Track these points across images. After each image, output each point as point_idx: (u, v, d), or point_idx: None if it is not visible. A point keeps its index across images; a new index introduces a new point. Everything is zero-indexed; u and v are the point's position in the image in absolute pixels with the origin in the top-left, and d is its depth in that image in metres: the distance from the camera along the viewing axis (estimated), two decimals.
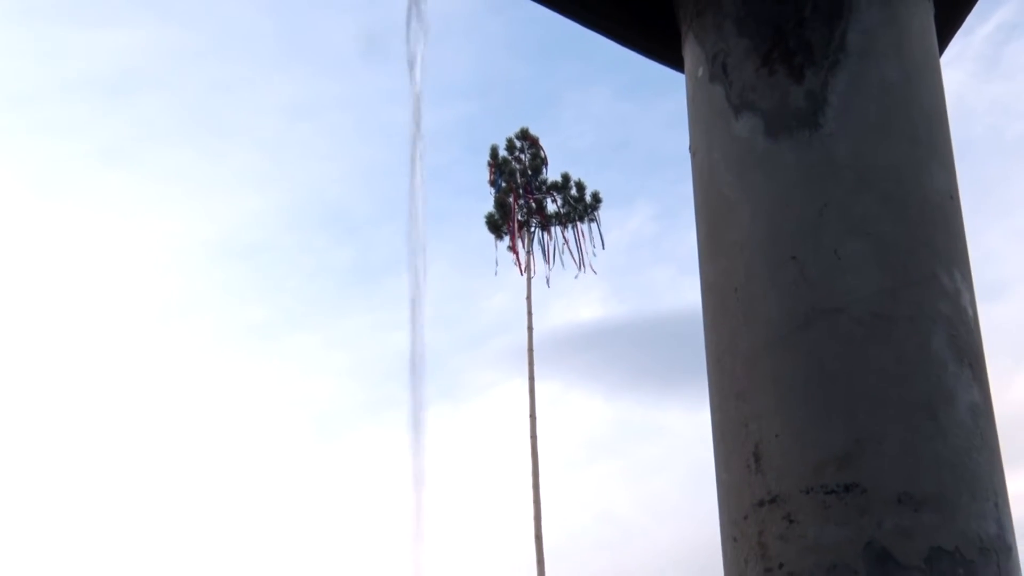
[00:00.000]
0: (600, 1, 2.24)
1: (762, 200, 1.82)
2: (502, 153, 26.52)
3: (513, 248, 25.96)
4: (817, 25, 1.86)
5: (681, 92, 2.10)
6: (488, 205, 26.47)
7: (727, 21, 1.94)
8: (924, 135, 1.85)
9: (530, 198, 26.41)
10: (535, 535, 23.68)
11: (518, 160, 26.60)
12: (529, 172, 26.54)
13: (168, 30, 41.67)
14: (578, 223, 26.43)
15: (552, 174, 26.79)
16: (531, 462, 24.25)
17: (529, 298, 25.70)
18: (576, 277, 26.08)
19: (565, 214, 26.50)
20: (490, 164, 26.54)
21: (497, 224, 26.22)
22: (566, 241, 26.25)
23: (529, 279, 25.84)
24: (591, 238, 26.34)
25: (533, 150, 26.78)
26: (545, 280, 25.93)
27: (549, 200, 26.57)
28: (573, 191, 26.63)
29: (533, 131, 26.94)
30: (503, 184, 26.31)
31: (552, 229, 26.43)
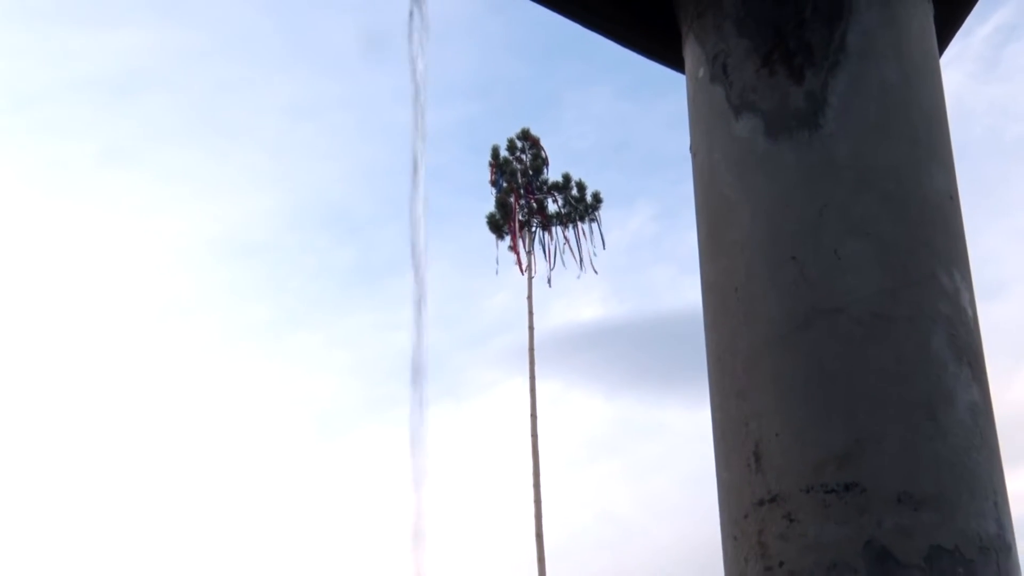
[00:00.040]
0: (601, 2, 2.24)
1: (762, 200, 1.83)
2: (503, 153, 26.52)
3: (514, 248, 25.97)
4: (817, 26, 1.87)
5: (681, 93, 2.10)
6: (489, 205, 26.50)
7: (727, 22, 1.94)
8: (924, 136, 1.85)
9: (531, 198, 26.41)
10: (536, 533, 23.68)
11: (519, 160, 26.59)
12: (530, 172, 26.53)
13: (172, 31, 41.71)
14: (579, 223, 26.44)
15: (553, 174, 26.82)
16: (532, 461, 24.26)
17: (530, 298, 25.72)
18: (578, 277, 26.11)
19: (566, 214, 26.50)
20: (491, 164, 26.54)
21: (498, 224, 26.23)
22: (567, 241, 26.28)
23: (530, 279, 25.86)
24: (592, 238, 26.37)
25: (534, 150, 26.78)
26: (546, 280, 25.96)
27: (550, 200, 26.58)
28: (574, 191, 26.64)
29: (534, 131, 26.96)
30: (504, 184, 26.31)
31: (553, 229, 26.44)
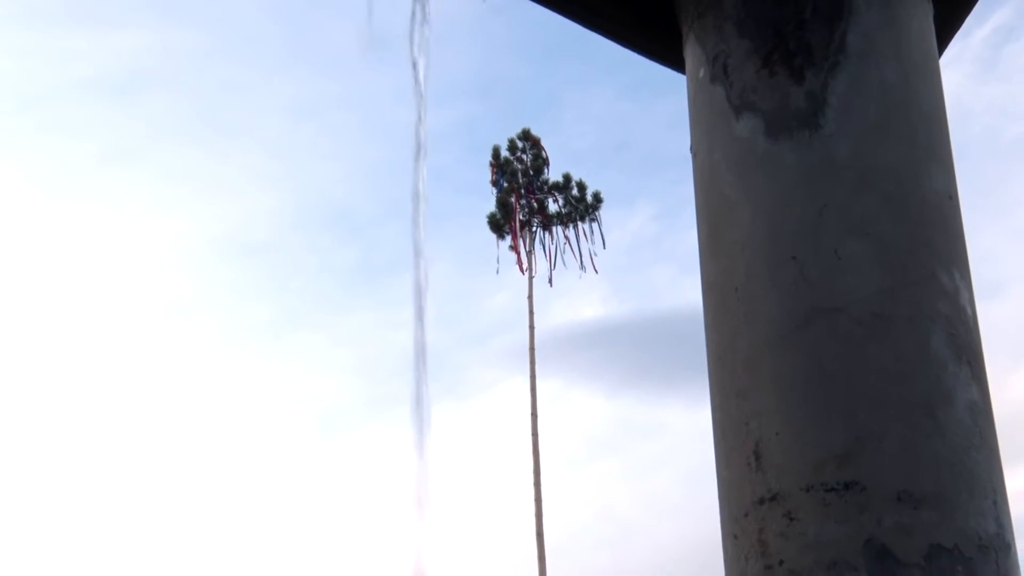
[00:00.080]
0: (602, 3, 2.25)
1: (763, 200, 1.83)
2: (504, 153, 26.52)
3: (515, 248, 25.98)
4: (817, 27, 1.87)
5: (682, 93, 2.11)
6: (490, 205, 26.49)
7: (728, 23, 1.95)
8: (923, 136, 1.86)
9: (531, 198, 26.41)
10: (536, 532, 23.69)
11: (520, 160, 26.59)
12: (531, 172, 26.53)
13: (174, 31, 41.72)
14: (579, 223, 26.44)
15: (553, 174, 26.83)
16: (532, 459, 24.26)
17: (531, 297, 25.72)
18: (580, 277, 26.13)
19: (566, 214, 26.50)
20: (492, 164, 26.54)
21: (499, 224, 26.23)
22: (567, 241, 26.28)
23: (531, 278, 25.86)
24: (592, 238, 26.37)
25: (535, 150, 26.77)
26: (547, 279, 25.96)
27: (550, 200, 26.58)
28: (574, 191, 26.64)
29: (535, 131, 26.96)
30: (505, 184, 26.31)
31: (553, 229, 26.45)
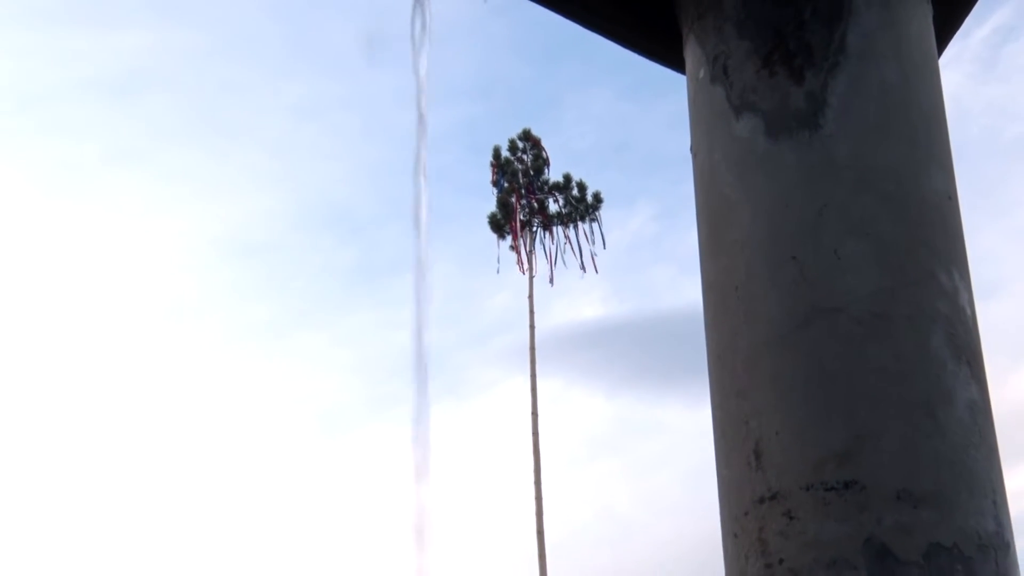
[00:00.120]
0: (602, 3, 2.25)
1: (763, 200, 1.84)
2: (504, 154, 26.54)
3: (515, 248, 25.99)
4: (817, 27, 1.87)
5: (682, 93, 2.11)
6: (491, 205, 26.52)
7: (728, 23, 1.95)
8: (923, 136, 1.86)
9: (532, 198, 26.42)
10: (537, 530, 23.70)
11: (520, 161, 26.61)
12: (531, 172, 26.55)
13: (175, 32, 41.74)
14: (579, 223, 26.45)
15: (554, 174, 26.84)
16: (533, 458, 24.28)
17: (531, 297, 25.74)
18: (581, 277, 26.14)
19: (567, 214, 26.51)
20: (493, 164, 26.56)
21: (500, 224, 26.24)
22: (568, 241, 26.29)
23: (531, 278, 25.89)
24: (592, 238, 26.37)
25: (535, 151, 26.79)
26: (548, 279, 25.98)
27: (551, 200, 26.59)
28: (574, 191, 26.65)
29: (535, 132, 26.98)
30: (505, 184, 26.33)
31: (554, 229, 26.46)
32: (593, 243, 26.32)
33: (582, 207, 26.52)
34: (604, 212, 26.75)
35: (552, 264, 26.09)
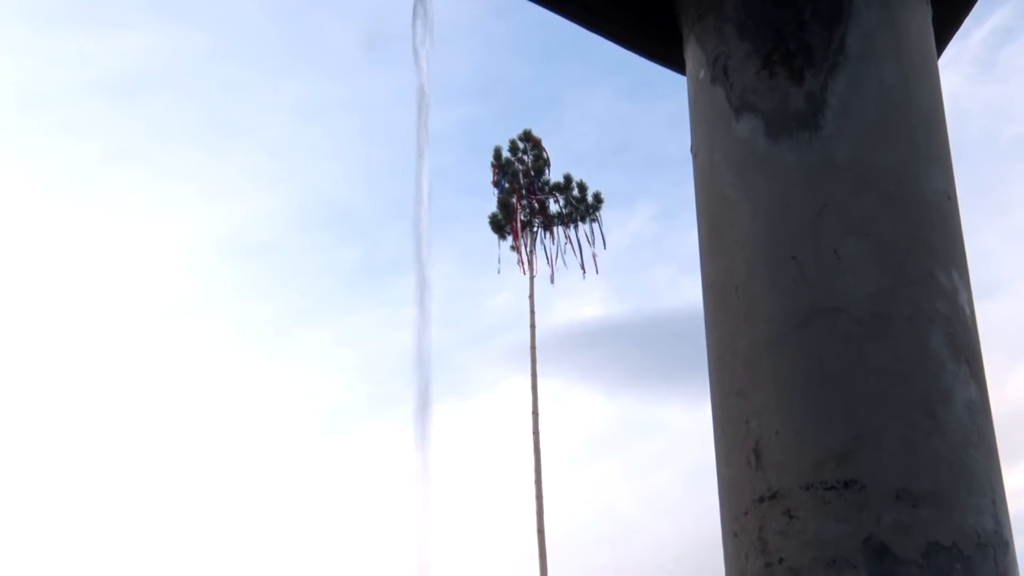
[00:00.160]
0: (603, 5, 2.26)
1: (763, 200, 1.84)
2: (505, 154, 26.55)
3: (516, 248, 26.00)
4: (817, 28, 1.88)
5: (682, 94, 2.12)
6: (491, 205, 26.54)
7: (728, 24, 1.96)
8: (922, 137, 1.87)
9: (533, 199, 26.43)
10: (537, 529, 23.71)
11: (521, 161, 26.62)
12: (532, 173, 26.56)
13: (177, 33, 41.72)
14: (580, 223, 26.46)
15: (554, 175, 26.86)
16: (533, 458, 24.30)
17: (532, 297, 25.75)
18: (583, 278, 26.16)
19: (567, 214, 26.53)
20: (493, 165, 26.57)
21: (500, 224, 26.26)
22: (568, 241, 26.30)
23: (532, 278, 25.90)
24: (592, 238, 26.38)
25: (536, 151, 26.80)
26: (549, 278, 25.99)
27: (551, 200, 26.60)
28: (575, 192, 26.66)
29: (536, 133, 27.00)
30: (506, 185, 26.34)
31: (554, 229, 26.47)
32: (593, 243, 26.36)
33: (582, 207, 26.53)
34: (604, 212, 26.80)
35: (552, 264, 26.12)
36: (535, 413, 24.72)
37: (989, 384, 1.80)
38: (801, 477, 1.69)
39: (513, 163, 26.52)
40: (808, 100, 1.85)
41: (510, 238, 26.13)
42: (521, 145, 26.71)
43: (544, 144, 27.01)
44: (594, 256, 26.16)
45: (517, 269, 26.09)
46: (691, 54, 2.06)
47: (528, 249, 26.14)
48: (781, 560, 1.68)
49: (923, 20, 1.97)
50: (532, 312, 25.64)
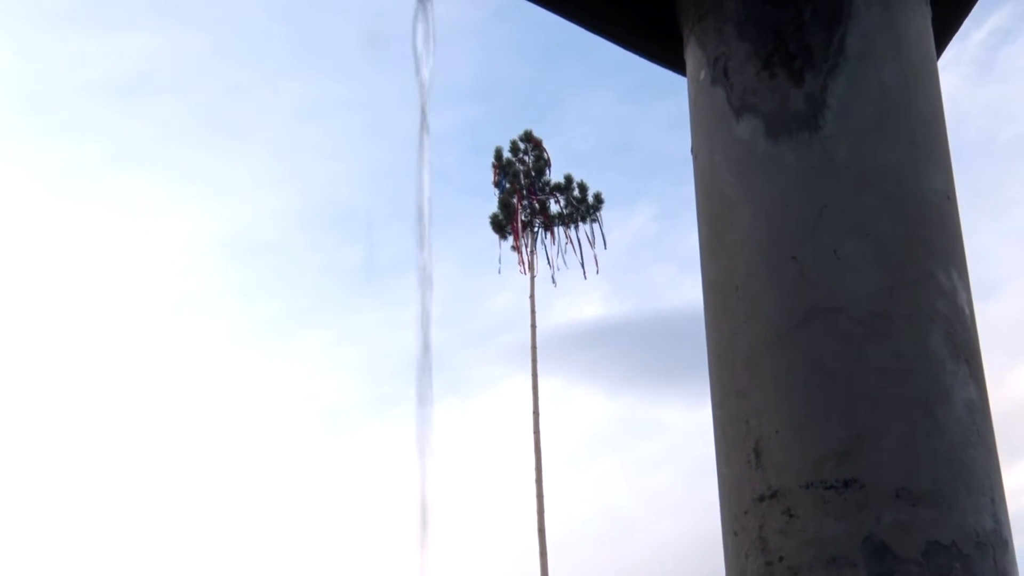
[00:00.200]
0: (603, 6, 2.26)
1: (763, 200, 1.85)
2: (506, 155, 26.54)
3: (517, 248, 26.01)
4: (817, 29, 1.89)
5: (682, 95, 2.13)
6: (492, 206, 26.53)
7: (728, 25, 1.96)
8: (922, 137, 1.87)
9: (533, 199, 26.43)
10: (538, 528, 23.71)
11: (522, 162, 26.61)
12: (532, 173, 26.55)
13: (182, 34, 41.76)
14: (580, 224, 26.46)
15: (555, 175, 26.85)
16: (534, 457, 24.29)
17: (532, 296, 25.75)
18: (585, 278, 26.16)
19: (568, 215, 26.53)
20: (494, 166, 26.57)
21: (501, 224, 26.26)
22: (569, 241, 26.31)
23: (532, 278, 25.89)
24: (593, 238, 26.39)
25: (536, 152, 26.80)
26: (551, 278, 26.00)
27: (552, 201, 26.60)
28: (575, 192, 26.66)
29: (536, 133, 27.00)
30: (507, 185, 26.34)
31: (555, 229, 26.47)
32: (594, 243, 26.36)
33: (583, 208, 26.53)
34: (605, 213, 26.79)
35: (553, 264, 26.13)
36: (536, 412, 24.72)
37: (988, 383, 1.80)
38: (801, 476, 1.69)
39: (514, 163, 26.51)
40: (808, 101, 1.86)
41: (511, 238, 26.14)
42: (522, 146, 26.71)
43: (545, 145, 27.04)
44: (595, 256, 26.19)
45: (518, 269, 26.11)
46: (691, 55, 2.06)
47: (529, 249, 26.16)
48: (781, 559, 1.68)
49: (923, 21, 1.98)
50: (533, 312, 25.66)
